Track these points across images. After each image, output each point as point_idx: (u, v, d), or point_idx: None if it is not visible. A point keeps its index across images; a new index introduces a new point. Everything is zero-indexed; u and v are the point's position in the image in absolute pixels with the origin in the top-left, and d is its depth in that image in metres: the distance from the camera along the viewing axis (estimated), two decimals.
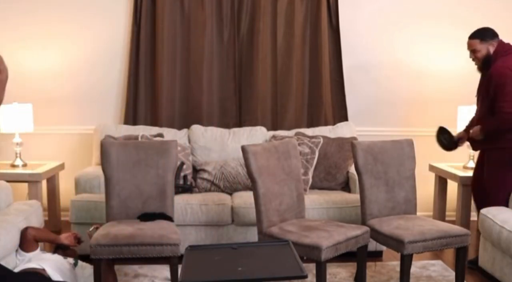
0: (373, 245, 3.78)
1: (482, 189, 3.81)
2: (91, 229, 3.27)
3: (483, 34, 3.68)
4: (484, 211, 3.56)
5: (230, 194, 4.12)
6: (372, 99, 4.94)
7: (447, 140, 3.97)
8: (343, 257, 3.19)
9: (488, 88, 3.62)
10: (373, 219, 3.41)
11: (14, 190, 3.69)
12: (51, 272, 2.93)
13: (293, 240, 2.83)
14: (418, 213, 3.66)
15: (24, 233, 3.12)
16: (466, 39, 3.76)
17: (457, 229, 3.25)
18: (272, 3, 4.72)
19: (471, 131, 3.77)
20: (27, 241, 3.11)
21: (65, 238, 3.27)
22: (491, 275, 3.53)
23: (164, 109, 4.68)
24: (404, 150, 3.57)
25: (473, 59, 3.77)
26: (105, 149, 3.35)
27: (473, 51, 3.72)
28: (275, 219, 3.18)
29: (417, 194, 3.64)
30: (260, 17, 4.69)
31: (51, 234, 3.40)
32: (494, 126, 3.61)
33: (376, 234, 3.28)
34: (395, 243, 3.13)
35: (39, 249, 3.18)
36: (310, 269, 3.41)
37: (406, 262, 3.13)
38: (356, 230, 3.12)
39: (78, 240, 3.32)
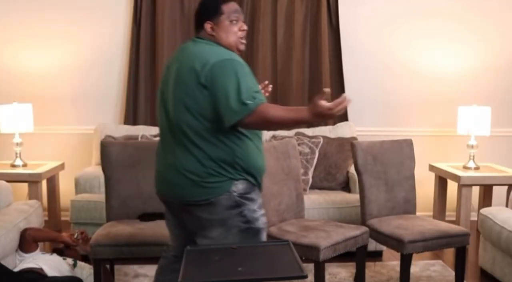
0: (373, 245, 3.78)
1: None
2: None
3: None
4: (484, 211, 3.56)
5: None
6: (372, 99, 4.93)
7: None
8: (343, 257, 3.19)
9: None
10: (373, 219, 3.41)
11: (14, 190, 3.69)
12: (49, 271, 2.94)
13: (291, 240, 2.82)
14: (418, 213, 3.66)
15: (23, 234, 3.12)
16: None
17: (457, 229, 3.25)
18: (272, 3, 4.72)
19: None
20: (26, 242, 3.11)
21: (67, 236, 3.27)
22: (491, 275, 3.53)
23: None
24: (403, 149, 3.57)
25: None
26: (105, 149, 3.35)
27: None
28: (274, 219, 3.18)
29: (417, 194, 3.64)
30: (260, 17, 4.69)
31: (52, 232, 3.40)
32: None
33: (376, 234, 3.28)
34: (395, 242, 3.13)
35: (38, 250, 3.18)
36: (310, 269, 3.41)
37: (406, 262, 3.13)
38: (355, 230, 3.12)
39: (85, 238, 3.27)
